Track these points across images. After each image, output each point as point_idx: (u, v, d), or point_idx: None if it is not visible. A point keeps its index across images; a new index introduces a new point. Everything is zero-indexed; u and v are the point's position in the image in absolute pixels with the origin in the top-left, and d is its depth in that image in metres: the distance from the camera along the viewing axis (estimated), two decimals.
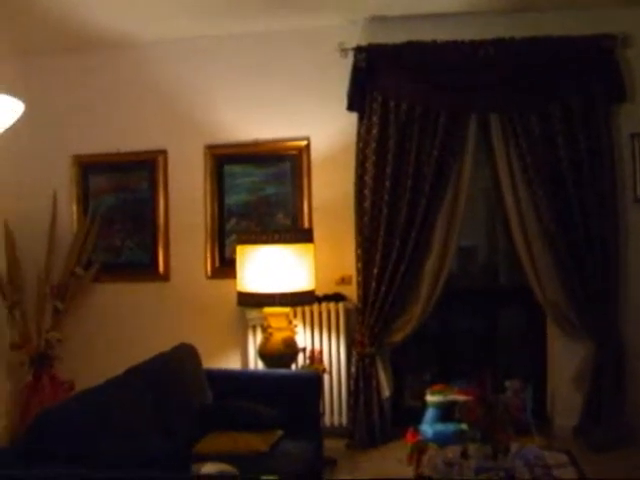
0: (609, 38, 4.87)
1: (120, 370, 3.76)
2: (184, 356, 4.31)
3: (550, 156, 4.90)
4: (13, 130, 2.35)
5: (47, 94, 5.78)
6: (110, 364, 4.14)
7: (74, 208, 5.84)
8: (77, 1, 4.76)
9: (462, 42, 4.99)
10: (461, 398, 4.59)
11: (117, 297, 5.75)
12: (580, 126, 4.87)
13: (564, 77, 4.93)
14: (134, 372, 3.77)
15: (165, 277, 5.69)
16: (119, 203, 5.78)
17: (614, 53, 4.89)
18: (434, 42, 5.03)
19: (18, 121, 2.27)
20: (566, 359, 5.07)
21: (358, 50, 5.09)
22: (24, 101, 2.30)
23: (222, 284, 5.40)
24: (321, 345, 5.26)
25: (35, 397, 5.31)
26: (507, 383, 4.59)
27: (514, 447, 3.74)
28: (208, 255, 5.58)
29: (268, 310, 4.87)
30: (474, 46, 4.98)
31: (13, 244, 5.44)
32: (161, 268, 5.69)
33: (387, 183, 5.01)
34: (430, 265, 5.08)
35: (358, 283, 5.15)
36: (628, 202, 5.00)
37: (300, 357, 5.08)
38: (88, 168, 5.84)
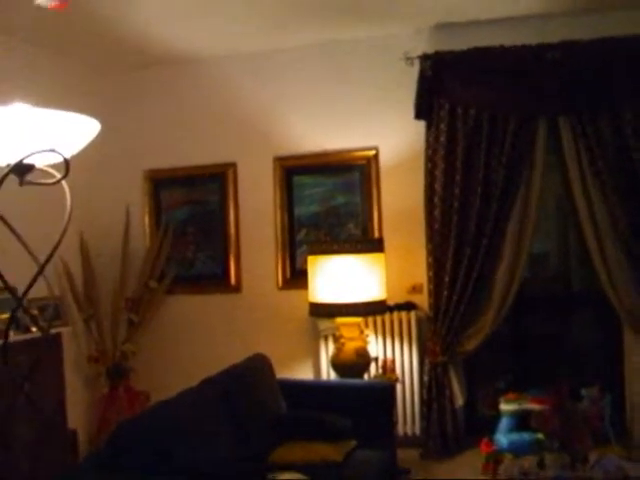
0: None
1: (194, 381, 3.81)
2: (257, 366, 4.34)
3: (622, 159, 4.79)
4: (87, 146, 2.41)
5: (119, 110, 5.91)
6: (184, 375, 4.22)
7: (147, 222, 5.96)
8: (148, 20, 4.87)
9: (528, 46, 4.93)
10: (536, 407, 4.54)
11: (190, 309, 5.84)
12: None
13: (632, 77, 4.83)
14: (208, 383, 3.82)
15: (237, 288, 5.75)
16: (190, 216, 5.88)
17: None
18: (500, 47, 4.97)
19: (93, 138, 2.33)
20: None
21: (424, 58, 5.06)
22: (98, 118, 2.35)
23: (293, 295, 5.45)
24: (393, 354, 5.24)
25: (112, 408, 5.41)
26: (584, 391, 4.52)
27: (593, 457, 3.69)
28: (279, 266, 5.63)
29: (340, 320, 4.88)
30: (540, 49, 4.91)
31: (88, 258, 5.56)
32: (233, 280, 5.75)
33: (456, 190, 4.97)
34: (502, 272, 5.01)
35: (429, 291, 5.12)
36: None
37: (372, 367, 5.08)
38: (160, 182, 5.96)
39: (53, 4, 3.49)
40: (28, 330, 4.40)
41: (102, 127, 2.36)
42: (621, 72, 4.83)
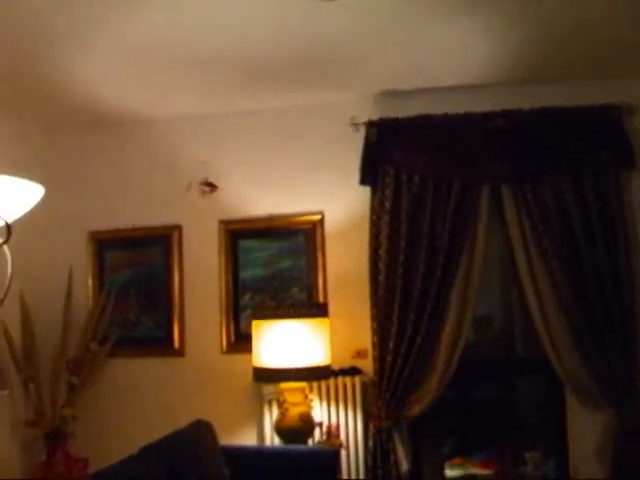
0: (615, 107, 4.93)
1: (136, 447, 3.74)
2: (200, 433, 4.29)
3: (563, 226, 4.90)
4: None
5: (63, 171, 5.87)
6: (125, 441, 4.13)
7: (90, 283, 5.87)
8: (95, 81, 4.88)
9: (472, 114, 5.05)
10: (481, 472, 4.54)
11: (132, 372, 5.72)
12: (591, 195, 4.88)
13: (573, 146, 4.97)
14: (150, 450, 3.75)
15: (180, 352, 5.66)
16: (134, 278, 5.81)
17: (621, 122, 4.94)
18: (445, 115, 5.09)
19: None
20: (587, 430, 4.96)
21: (369, 124, 5.15)
22: (44, 177, 2.34)
23: (238, 359, 5.38)
24: (338, 419, 5.20)
25: (49, 474, 5.25)
26: (528, 455, 4.54)
27: None
28: (223, 330, 5.57)
29: (284, 385, 4.85)
30: (484, 118, 5.03)
31: (28, 318, 5.44)
32: (176, 343, 5.67)
33: (401, 256, 5.00)
34: (446, 336, 5.02)
35: (374, 357, 5.10)
36: None
37: (317, 432, 5.04)
38: (104, 243, 5.88)
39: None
40: None
41: (47, 187, 2.36)
42: (562, 140, 4.97)
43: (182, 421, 4.29)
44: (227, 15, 3.94)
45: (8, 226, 2.23)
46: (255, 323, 4.88)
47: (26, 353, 5.40)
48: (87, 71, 4.68)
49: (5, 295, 2.26)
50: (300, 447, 4.69)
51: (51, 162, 5.73)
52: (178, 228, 5.75)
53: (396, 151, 5.12)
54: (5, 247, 2.29)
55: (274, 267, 5.52)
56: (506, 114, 5.02)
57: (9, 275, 2.27)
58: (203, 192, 5.48)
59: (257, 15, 3.95)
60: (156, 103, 5.44)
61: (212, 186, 5.51)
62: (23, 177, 2.29)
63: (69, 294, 5.66)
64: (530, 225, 4.96)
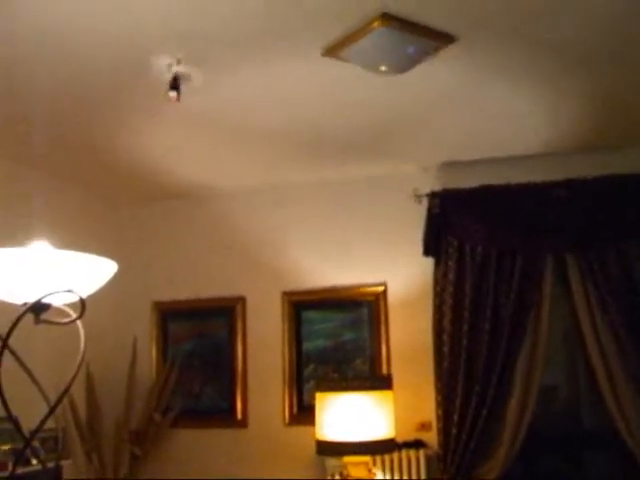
0: None
1: None
2: None
3: (630, 294, 4.81)
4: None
5: (129, 243, 6.01)
6: None
7: (154, 354, 5.93)
8: (154, 153, 5.02)
9: (535, 184, 5.04)
10: None
11: (195, 443, 5.72)
12: None
13: (637, 214, 4.91)
14: None
15: (243, 423, 5.66)
16: (198, 349, 5.86)
17: None
18: (507, 185, 5.08)
19: None
20: None
21: (432, 196, 5.18)
22: (110, 249, 2.39)
23: (300, 431, 5.35)
24: None
25: None
26: None
27: None
28: (286, 401, 5.56)
29: (348, 459, 4.79)
30: (546, 187, 5.01)
31: (93, 388, 5.50)
32: (239, 414, 5.67)
33: (465, 327, 4.97)
34: (512, 408, 4.94)
35: (438, 429, 5.04)
36: None
37: None
38: (168, 314, 5.97)
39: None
40: (28, 463, 4.32)
41: (112, 257, 2.40)
42: (627, 209, 4.91)
43: None
44: (292, 89, 4.03)
45: (82, 302, 2.28)
46: (319, 395, 4.85)
47: (90, 423, 5.44)
48: (152, 142, 4.81)
49: (77, 371, 2.29)
50: None
51: (115, 233, 5.87)
52: (242, 299, 5.80)
53: (459, 222, 5.12)
54: (78, 322, 2.34)
55: (337, 338, 5.52)
56: (568, 183, 4.99)
57: (81, 351, 2.31)
58: None
59: (321, 88, 4.04)
60: (221, 174, 5.56)
61: None
62: (91, 251, 2.35)
63: (133, 364, 5.72)
64: (596, 294, 4.88)
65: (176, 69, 3.64)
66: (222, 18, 3.21)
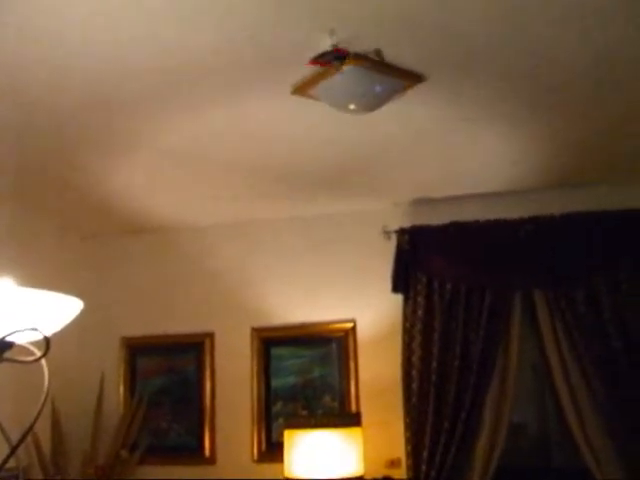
0: None
1: None
2: None
3: (599, 332, 4.83)
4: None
5: (96, 277, 5.95)
6: None
7: (121, 389, 5.87)
8: (123, 188, 5.01)
9: (504, 220, 5.07)
10: None
11: None
12: (627, 298, 4.83)
13: (606, 251, 4.95)
14: None
15: (211, 460, 5.60)
16: (166, 385, 5.80)
17: None
18: (476, 222, 5.12)
19: None
20: None
21: (401, 232, 5.20)
22: (78, 284, 2.37)
23: (269, 468, 5.28)
24: None
25: None
26: None
27: None
28: (255, 438, 5.51)
29: None
30: (515, 224, 5.05)
31: (59, 423, 5.42)
32: (207, 451, 5.61)
33: (434, 363, 4.97)
34: (481, 444, 4.93)
35: (408, 466, 5.02)
36: None
37: None
38: (136, 349, 5.91)
39: None
40: None
41: (81, 293, 2.38)
42: (595, 246, 4.95)
43: None
44: (261, 125, 4.04)
45: (47, 340, 2.25)
46: (287, 432, 4.82)
47: (55, 458, 5.36)
48: (121, 178, 4.80)
49: (41, 409, 2.26)
50: None
51: (85, 269, 5.82)
52: (211, 335, 5.76)
53: (428, 258, 5.15)
54: (42, 361, 2.30)
55: (306, 375, 5.50)
56: (536, 220, 5.03)
57: (45, 390, 2.28)
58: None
59: (291, 125, 4.06)
60: (191, 209, 5.56)
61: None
62: (57, 286, 2.33)
63: (100, 399, 5.66)
64: (564, 330, 4.91)
65: None
66: (188, 57, 3.22)
